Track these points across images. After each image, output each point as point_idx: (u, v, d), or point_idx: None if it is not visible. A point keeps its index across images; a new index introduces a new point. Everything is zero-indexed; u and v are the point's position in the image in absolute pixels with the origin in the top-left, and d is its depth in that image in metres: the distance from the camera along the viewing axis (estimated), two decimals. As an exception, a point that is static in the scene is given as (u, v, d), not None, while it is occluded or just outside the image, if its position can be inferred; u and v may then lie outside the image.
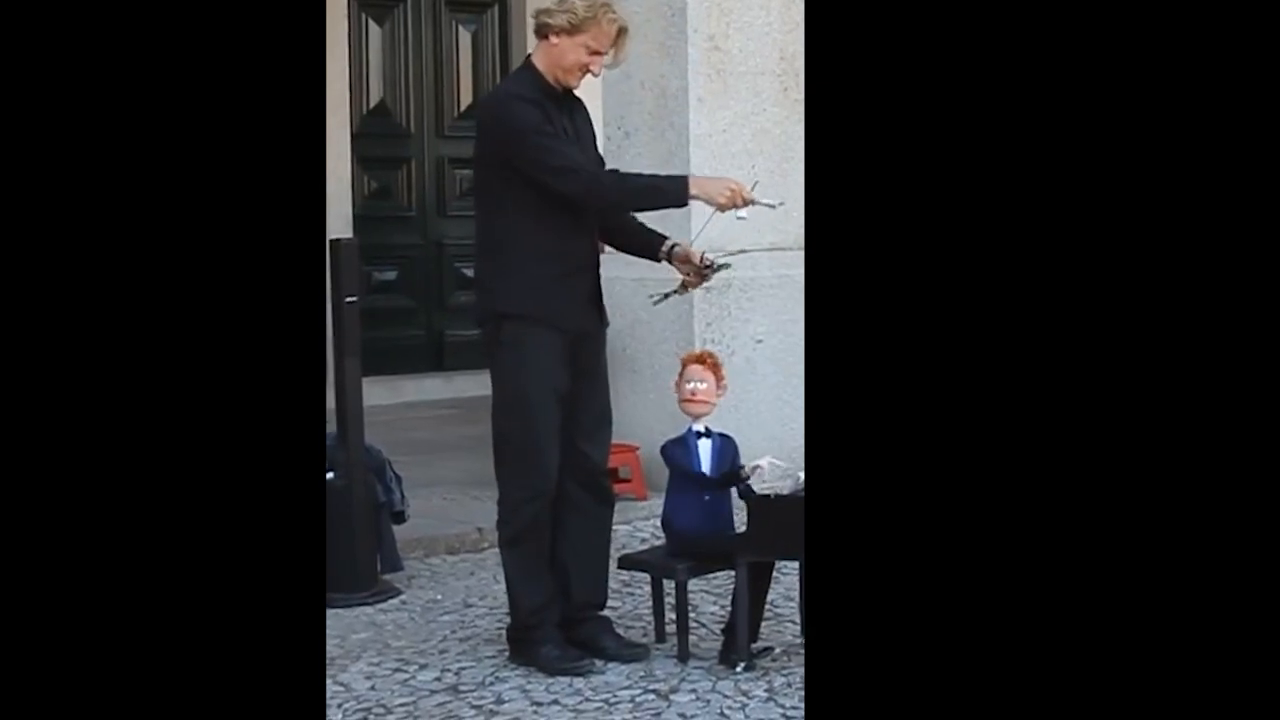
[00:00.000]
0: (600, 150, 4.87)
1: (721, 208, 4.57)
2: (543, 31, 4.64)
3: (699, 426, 4.72)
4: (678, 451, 4.70)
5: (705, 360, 4.74)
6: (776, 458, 4.74)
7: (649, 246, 4.86)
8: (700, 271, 4.77)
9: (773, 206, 4.60)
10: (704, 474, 4.66)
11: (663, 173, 4.97)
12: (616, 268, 4.82)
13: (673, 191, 4.62)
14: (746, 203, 4.55)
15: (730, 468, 4.70)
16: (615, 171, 4.73)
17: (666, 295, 4.95)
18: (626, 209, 4.80)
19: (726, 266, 4.83)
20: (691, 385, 4.70)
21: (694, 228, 5.38)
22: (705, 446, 4.70)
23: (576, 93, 4.75)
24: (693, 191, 4.57)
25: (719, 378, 4.72)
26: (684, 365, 4.79)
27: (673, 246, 4.82)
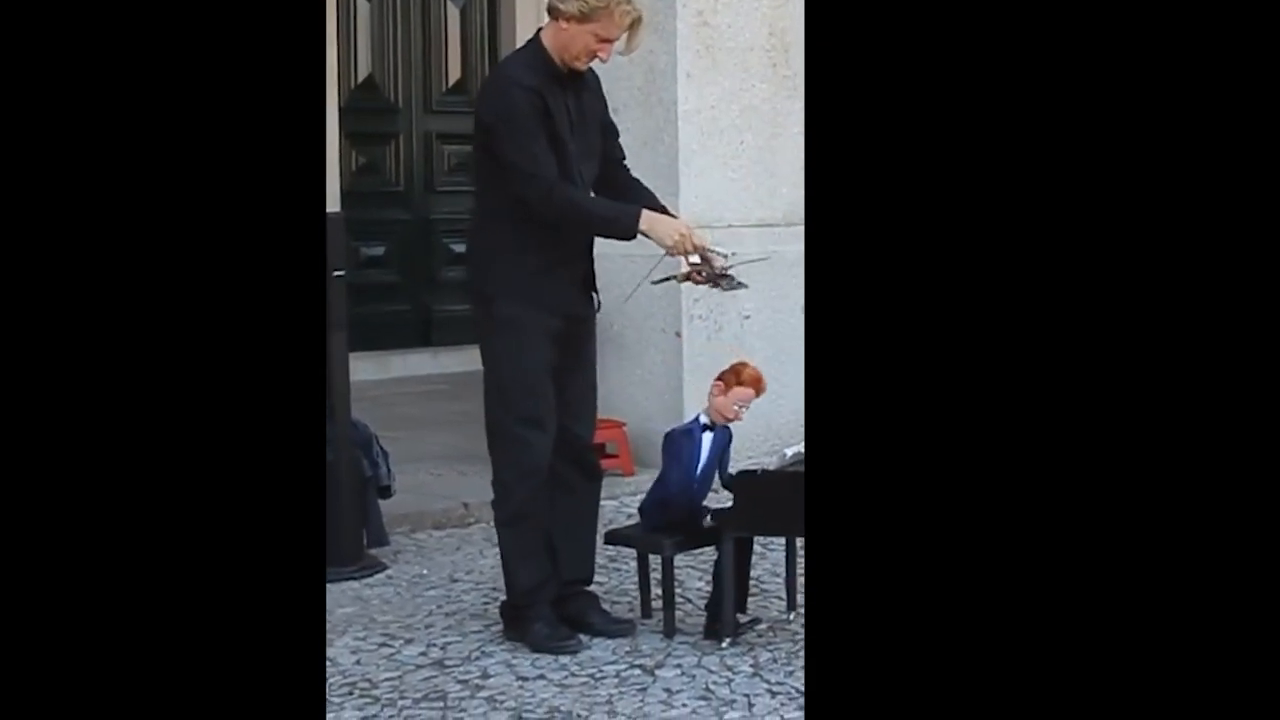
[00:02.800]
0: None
1: (669, 250, 4.56)
2: (554, 13, 4.60)
3: (705, 419, 4.72)
4: (685, 445, 4.69)
5: (760, 384, 4.73)
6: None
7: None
8: (714, 277, 4.73)
9: (724, 256, 4.59)
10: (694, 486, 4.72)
11: (650, 150, 4.97)
12: (603, 244, 4.82)
13: (623, 225, 4.57)
14: (696, 249, 4.53)
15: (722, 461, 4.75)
16: (573, 192, 4.60)
17: (667, 278, 4.93)
18: (573, 231, 4.70)
19: (744, 287, 4.80)
20: (739, 409, 4.70)
21: (682, 201, 5.37)
22: (708, 439, 4.72)
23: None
24: (642, 227, 4.54)
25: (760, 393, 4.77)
26: (739, 376, 4.72)
27: None
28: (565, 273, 4.65)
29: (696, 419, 4.74)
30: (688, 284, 4.84)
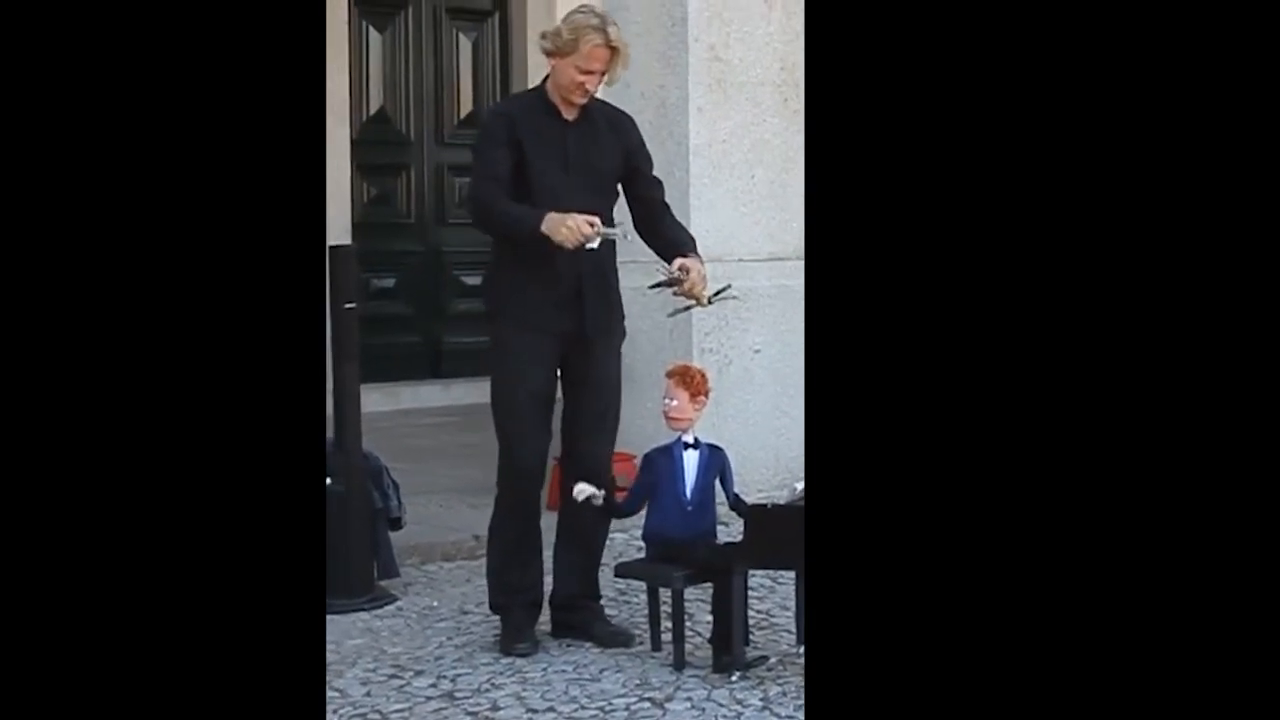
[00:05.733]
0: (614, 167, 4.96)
1: (561, 244, 4.65)
2: (543, 52, 4.85)
3: (687, 437, 4.72)
4: (661, 462, 4.70)
5: (674, 375, 4.74)
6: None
7: (665, 252, 4.96)
8: (689, 292, 4.81)
9: (621, 236, 4.82)
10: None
11: (661, 183, 5.07)
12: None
13: (527, 225, 4.70)
14: (588, 236, 4.66)
15: (724, 482, 4.72)
16: (493, 197, 4.80)
17: (683, 309, 5.00)
18: (490, 231, 4.92)
19: (728, 288, 4.93)
20: (665, 401, 4.72)
21: (693, 224, 5.41)
22: (691, 459, 4.70)
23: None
24: (543, 228, 4.65)
25: (694, 392, 4.71)
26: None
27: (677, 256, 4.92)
28: (543, 289, 4.78)
29: (678, 438, 4.74)
30: (697, 309, 4.98)
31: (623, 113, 5.04)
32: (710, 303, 4.92)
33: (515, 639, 4.87)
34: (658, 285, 4.88)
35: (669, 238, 4.98)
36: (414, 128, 10.36)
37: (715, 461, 4.73)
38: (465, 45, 10.54)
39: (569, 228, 4.62)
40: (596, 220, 4.68)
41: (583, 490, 4.73)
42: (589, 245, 4.69)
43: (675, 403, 4.69)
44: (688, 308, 4.98)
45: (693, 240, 4.98)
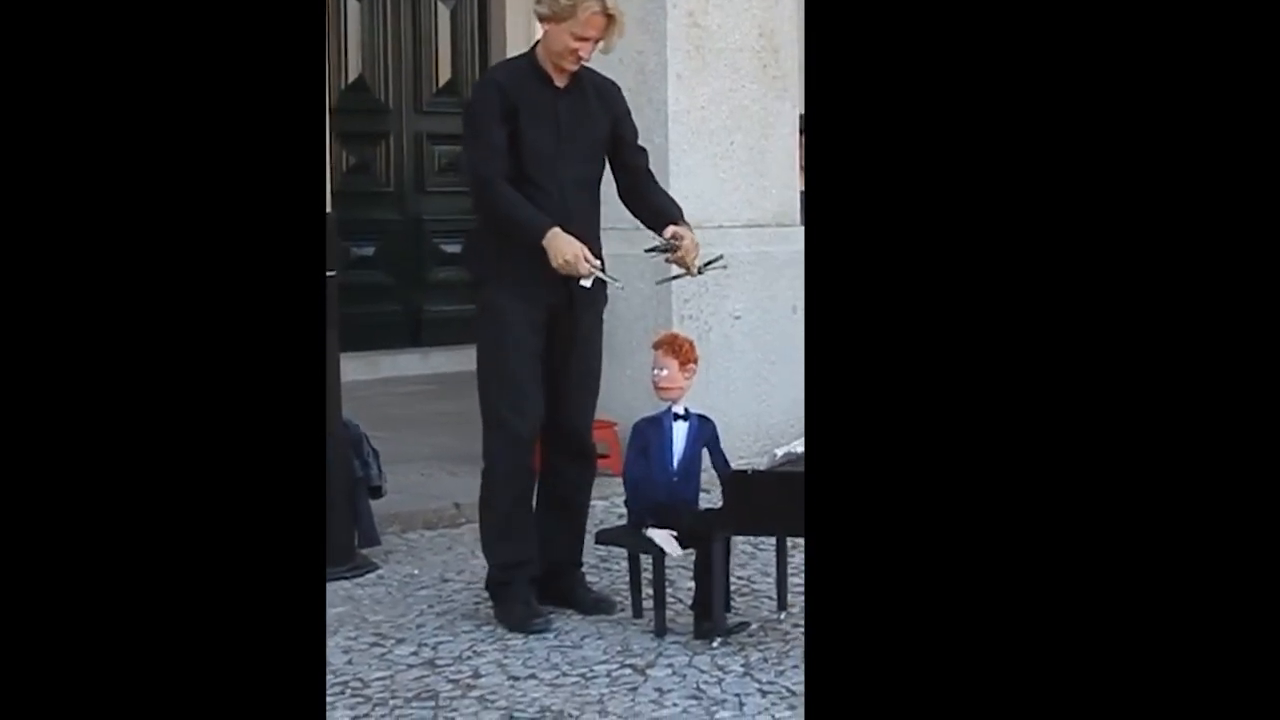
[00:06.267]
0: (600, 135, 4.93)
1: (558, 268, 4.64)
2: (538, 17, 4.79)
3: (677, 408, 4.72)
4: (650, 432, 4.70)
5: (662, 345, 4.74)
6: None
7: (652, 221, 4.95)
8: (681, 260, 4.81)
9: (615, 281, 4.81)
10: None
11: (646, 151, 5.07)
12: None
13: (531, 234, 4.67)
14: (585, 275, 4.67)
15: (713, 453, 4.73)
16: (504, 190, 4.73)
17: (673, 277, 5.02)
18: (487, 215, 4.84)
19: (719, 258, 4.94)
20: (655, 372, 4.72)
21: (672, 190, 5.41)
22: (680, 429, 4.71)
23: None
24: (544, 241, 4.63)
25: (684, 360, 4.71)
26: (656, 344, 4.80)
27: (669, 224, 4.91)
28: (535, 258, 4.70)
29: (669, 408, 4.75)
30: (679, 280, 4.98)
31: (609, 80, 4.99)
32: (700, 272, 4.92)
33: (530, 615, 4.79)
34: (652, 250, 4.87)
35: (656, 206, 4.96)
36: (393, 96, 10.33)
37: (704, 432, 4.74)
38: (444, 13, 10.51)
39: (568, 261, 4.61)
40: (595, 260, 4.68)
41: (663, 536, 4.65)
42: (582, 282, 4.69)
43: (665, 372, 4.69)
44: (677, 276, 4.97)
45: (680, 209, 4.95)
